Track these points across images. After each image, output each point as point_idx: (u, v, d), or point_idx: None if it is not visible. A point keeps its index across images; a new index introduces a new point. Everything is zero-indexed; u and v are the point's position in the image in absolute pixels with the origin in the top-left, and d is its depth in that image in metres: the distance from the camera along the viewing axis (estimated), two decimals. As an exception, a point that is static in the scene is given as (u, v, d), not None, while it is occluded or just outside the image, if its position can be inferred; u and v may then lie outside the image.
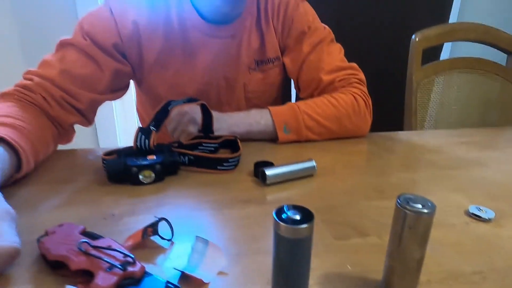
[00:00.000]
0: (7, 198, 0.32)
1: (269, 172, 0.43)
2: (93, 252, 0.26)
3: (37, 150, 0.46)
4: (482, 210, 0.37)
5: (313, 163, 0.46)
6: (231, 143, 0.55)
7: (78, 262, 0.25)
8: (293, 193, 0.43)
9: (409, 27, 1.16)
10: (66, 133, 0.58)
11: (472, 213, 0.37)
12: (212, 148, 0.54)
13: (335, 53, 0.69)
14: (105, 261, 0.25)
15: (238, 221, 0.36)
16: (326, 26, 0.71)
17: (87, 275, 0.25)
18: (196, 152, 0.48)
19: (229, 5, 0.61)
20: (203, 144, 0.53)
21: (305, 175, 0.46)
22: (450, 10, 1.63)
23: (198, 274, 0.27)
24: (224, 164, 0.47)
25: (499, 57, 1.02)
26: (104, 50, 0.58)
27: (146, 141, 0.45)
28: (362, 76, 0.69)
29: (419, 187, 0.45)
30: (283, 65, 0.72)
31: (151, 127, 0.48)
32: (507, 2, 1.70)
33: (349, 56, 0.71)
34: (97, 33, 0.57)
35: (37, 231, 0.31)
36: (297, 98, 0.77)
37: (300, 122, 0.61)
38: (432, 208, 0.22)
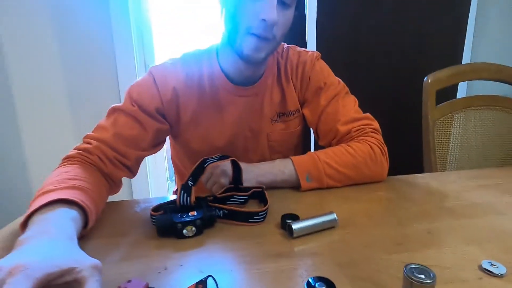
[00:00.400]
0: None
1: (295, 226, 0.49)
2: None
3: (98, 206, 0.54)
4: (494, 265, 0.41)
5: (334, 216, 0.51)
6: (259, 194, 0.62)
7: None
8: (318, 245, 0.48)
9: (423, 67, 1.21)
10: (116, 186, 0.67)
11: (485, 268, 0.40)
12: (243, 200, 0.60)
13: (350, 105, 0.76)
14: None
15: (271, 276, 0.41)
16: (341, 81, 0.78)
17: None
18: (230, 206, 0.54)
19: (252, 69, 0.70)
20: (235, 197, 0.60)
21: (328, 227, 0.51)
22: (463, 49, 1.67)
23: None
24: (255, 217, 0.53)
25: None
26: (148, 113, 0.68)
27: (188, 198, 0.53)
28: (376, 125, 0.75)
29: (434, 239, 0.48)
30: (303, 115, 0.79)
31: (190, 183, 0.56)
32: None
33: (364, 100, 0.77)
34: (143, 100, 0.67)
35: (109, 285, 0.38)
36: (316, 144, 0.83)
37: (321, 171, 0.67)
38: (433, 278, 0.27)
